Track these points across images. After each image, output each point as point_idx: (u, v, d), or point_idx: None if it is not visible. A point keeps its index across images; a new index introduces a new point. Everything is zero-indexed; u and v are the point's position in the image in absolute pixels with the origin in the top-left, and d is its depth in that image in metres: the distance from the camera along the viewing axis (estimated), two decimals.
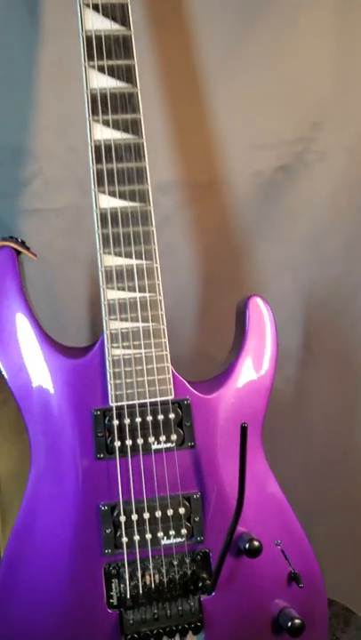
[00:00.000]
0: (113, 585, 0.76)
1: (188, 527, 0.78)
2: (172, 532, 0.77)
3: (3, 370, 0.76)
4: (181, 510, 0.77)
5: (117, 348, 0.76)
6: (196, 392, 0.79)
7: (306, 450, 1.15)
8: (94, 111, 0.75)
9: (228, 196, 1.03)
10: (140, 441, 0.77)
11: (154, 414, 0.77)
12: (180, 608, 0.77)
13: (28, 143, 0.95)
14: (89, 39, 0.75)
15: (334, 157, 1.04)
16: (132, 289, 0.76)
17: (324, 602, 0.82)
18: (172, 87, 0.97)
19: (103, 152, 0.75)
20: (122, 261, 0.76)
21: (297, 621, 0.75)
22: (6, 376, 0.76)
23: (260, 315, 0.83)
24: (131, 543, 0.76)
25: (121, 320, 0.76)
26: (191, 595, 0.78)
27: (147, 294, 0.77)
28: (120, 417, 0.76)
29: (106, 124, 0.75)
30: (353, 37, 1.01)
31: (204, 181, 1.02)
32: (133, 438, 0.77)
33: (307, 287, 1.09)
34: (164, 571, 0.77)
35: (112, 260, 0.76)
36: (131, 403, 0.76)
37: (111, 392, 0.76)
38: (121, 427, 0.76)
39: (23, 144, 0.95)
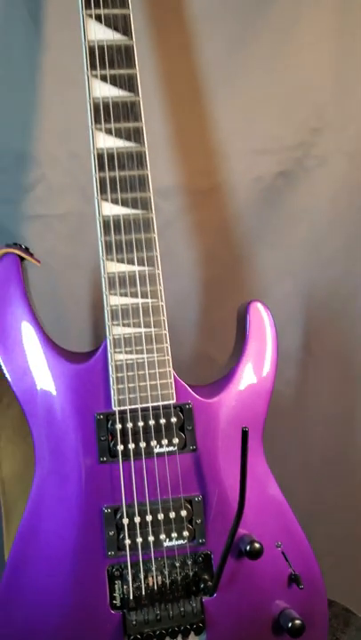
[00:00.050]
0: (116, 586, 0.77)
1: (190, 529, 0.78)
2: (174, 535, 0.78)
3: (7, 374, 0.77)
4: (183, 513, 0.78)
5: (120, 353, 0.77)
6: (197, 396, 0.80)
7: (306, 450, 1.15)
8: (97, 120, 0.76)
9: (228, 202, 1.03)
10: (142, 445, 0.77)
11: (156, 418, 0.78)
12: (182, 609, 0.78)
13: (31, 149, 0.95)
14: (92, 49, 0.76)
15: (334, 162, 1.04)
16: (134, 295, 0.77)
17: (325, 603, 0.82)
18: (173, 93, 0.97)
19: (106, 160, 0.76)
20: (124, 268, 0.77)
21: (297, 622, 0.76)
22: (11, 380, 0.77)
23: (261, 320, 0.83)
24: (133, 545, 0.77)
25: (123, 325, 0.77)
26: (193, 596, 0.78)
27: (149, 300, 0.77)
28: (123, 421, 0.77)
29: (108, 132, 0.76)
30: (353, 38, 1.01)
31: (205, 186, 1.02)
32: (136, 442, 0.77)
33: (307, 289, 1.09)
34: (166, 572, 0.78)
35: (115, 267, 0.76)
36: (133, 407, 0.77)
37: (114, 396, 0.77)
38: (124, 431, 0.77)
39: (26, 150, 0.95)
